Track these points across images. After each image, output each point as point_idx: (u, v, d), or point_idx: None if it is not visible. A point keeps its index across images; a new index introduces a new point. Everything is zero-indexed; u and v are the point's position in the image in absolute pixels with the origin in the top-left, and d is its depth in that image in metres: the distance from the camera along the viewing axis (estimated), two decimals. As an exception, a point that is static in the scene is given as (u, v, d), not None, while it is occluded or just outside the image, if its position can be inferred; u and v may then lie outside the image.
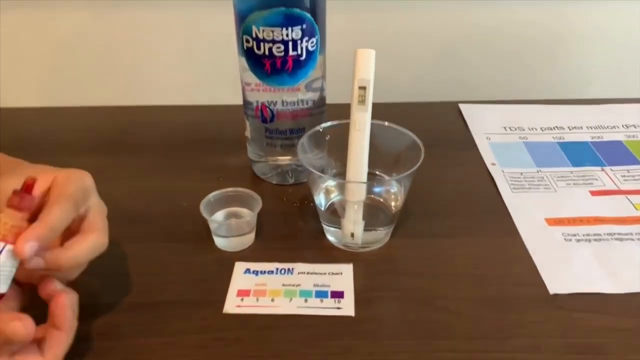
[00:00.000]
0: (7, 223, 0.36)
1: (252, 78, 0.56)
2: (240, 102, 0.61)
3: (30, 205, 0.37)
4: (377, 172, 0.55)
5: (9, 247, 0.36)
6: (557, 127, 0.72)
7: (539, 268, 0.50)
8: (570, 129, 0.71)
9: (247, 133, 0.62)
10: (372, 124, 0.50)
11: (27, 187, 0.37)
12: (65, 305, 0.37)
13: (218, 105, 0.76)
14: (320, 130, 0.55)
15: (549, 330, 0.45)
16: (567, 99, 0.78)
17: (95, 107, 0.78)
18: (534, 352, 0.43)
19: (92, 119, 0.76)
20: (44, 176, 0.39)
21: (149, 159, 0.66)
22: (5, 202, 0.37)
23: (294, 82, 0.55)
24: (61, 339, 0.36)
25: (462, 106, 0.76)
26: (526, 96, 0.80)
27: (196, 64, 0.83)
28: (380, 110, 0.51)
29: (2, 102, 0.80)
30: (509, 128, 0.72)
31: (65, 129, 0.73)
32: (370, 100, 0.50)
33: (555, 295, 0.48)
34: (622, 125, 0.71)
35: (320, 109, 0.60)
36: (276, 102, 0.57)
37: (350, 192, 0.51)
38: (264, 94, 0.57)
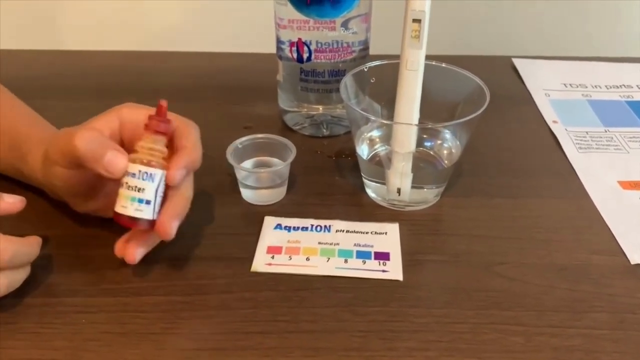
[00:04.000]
0: (151, 148, 0.36)
1: (286, 12, 0.50)
2: (272, 50, 0.54)
3: (168, 130, 0.36)
4: (428, 125, 0.48)
5: (163, 172, 0.36)
6: (624, 85, 0.64)
7: (616, 235, 0.44)
8: (639, 88, 0.63)
9: (279, 76, 0.55)
10: (425, 65, 0.43)
11: (162, 111, 0.36)
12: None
13: (247, 53, 0.69)
14: (365, 70, 0.48)
15: (633, 305, 0.38)
16: (630, 56, 0.70)
17: (114, 52, 0.71)
18: (616, 328, 0.37)
19: (113, 63, 0.70)
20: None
21: (171, 107, 0.60)
22: (143, 126, 0.36)
23: (337, 13, 0.48)
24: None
25: (516, 61, 0.68)
26: (582, 54, 0.72)
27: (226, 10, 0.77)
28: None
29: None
30: (570, 85, 0.64)
31: (83, 73, 0.68)
32: (425, 36, 0.43)
33: (638, 265, 0.41)
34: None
35: (363, 52, 0.53)
36: (311, 41, 0.50)
37: (399, 141, 0.44)
38: (299, 32, 0.50)
